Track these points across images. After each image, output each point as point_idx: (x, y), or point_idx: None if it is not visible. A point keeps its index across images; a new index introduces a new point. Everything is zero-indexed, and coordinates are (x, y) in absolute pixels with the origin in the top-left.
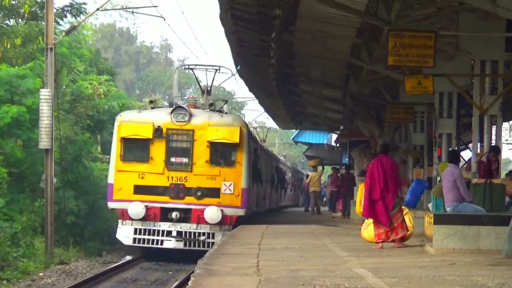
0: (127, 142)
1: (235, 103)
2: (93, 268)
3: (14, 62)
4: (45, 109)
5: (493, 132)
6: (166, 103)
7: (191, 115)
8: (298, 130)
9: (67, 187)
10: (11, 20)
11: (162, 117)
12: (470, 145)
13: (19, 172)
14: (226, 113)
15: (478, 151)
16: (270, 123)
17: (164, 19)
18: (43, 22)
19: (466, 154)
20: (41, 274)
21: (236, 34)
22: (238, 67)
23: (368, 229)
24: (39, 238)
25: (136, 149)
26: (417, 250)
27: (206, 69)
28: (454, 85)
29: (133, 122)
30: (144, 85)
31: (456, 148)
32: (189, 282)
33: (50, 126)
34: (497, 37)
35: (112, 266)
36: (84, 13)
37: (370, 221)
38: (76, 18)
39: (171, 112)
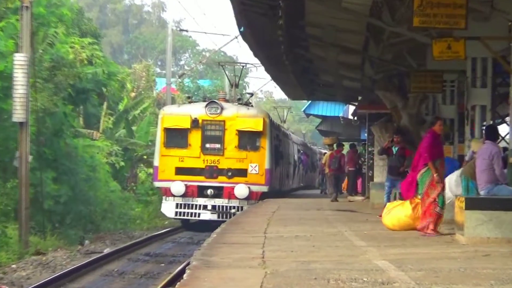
0: (169, 132)
1: (237, 70)
2: (74, 259)
3: None
4: (19, 77)
5: None
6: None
7: (222, 108)
8: (310, 101)
9: (45, 167)
10: None
11: (198, 110)
12: (507, 118)
13: None
14: (252, 106)
15: None
16: (278, 93)
17: None
18: None
19: (502, 129)
20: (14, 266)
21: None
22: (241, 29)
23: (391, 215)
24: (12, 224)
25: (176, 137)
26: (446, 239)
27: (234, 65)
28: (489, 50)
29: (174, 115)
30: (134, 49)
31: (491, 122)
32: (184, 276)
33: (26, 96)
34: None
35: (96, 257)
36: None
37: (392, 205)
38: None
39: (206, 106)
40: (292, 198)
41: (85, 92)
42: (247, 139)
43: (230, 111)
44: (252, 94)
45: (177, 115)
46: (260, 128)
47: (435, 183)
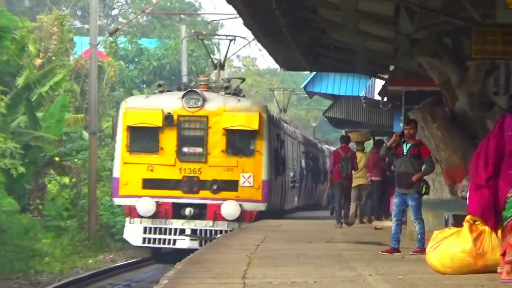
0: (134, 131)
1: (203, 24)
2: None
3: None
4: None
5: None
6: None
7: (204, 100)
8: (313, 73)
9: None
10: None
11: (173, 103)
12: None
13: None
14: (243, 96)
15: None
16: (266, 61)
17: None
18: None
19: None
20: None
21: None
22: None
23: (440, 249)
24: None
25: (144, 138)
26: None
27: (219, 38)
28: None
29: (140, 109)
30: None
31: None
32: None
33: None
34: None
35: None
36: None
37: (442, 235)
38: None
39: (183, 97)
40: (288, 220)
41: None
42: (238, 141)
43: (215, 103)
44: (243, 80)
45: (144, 109)
46: (255, 126)
47: None
